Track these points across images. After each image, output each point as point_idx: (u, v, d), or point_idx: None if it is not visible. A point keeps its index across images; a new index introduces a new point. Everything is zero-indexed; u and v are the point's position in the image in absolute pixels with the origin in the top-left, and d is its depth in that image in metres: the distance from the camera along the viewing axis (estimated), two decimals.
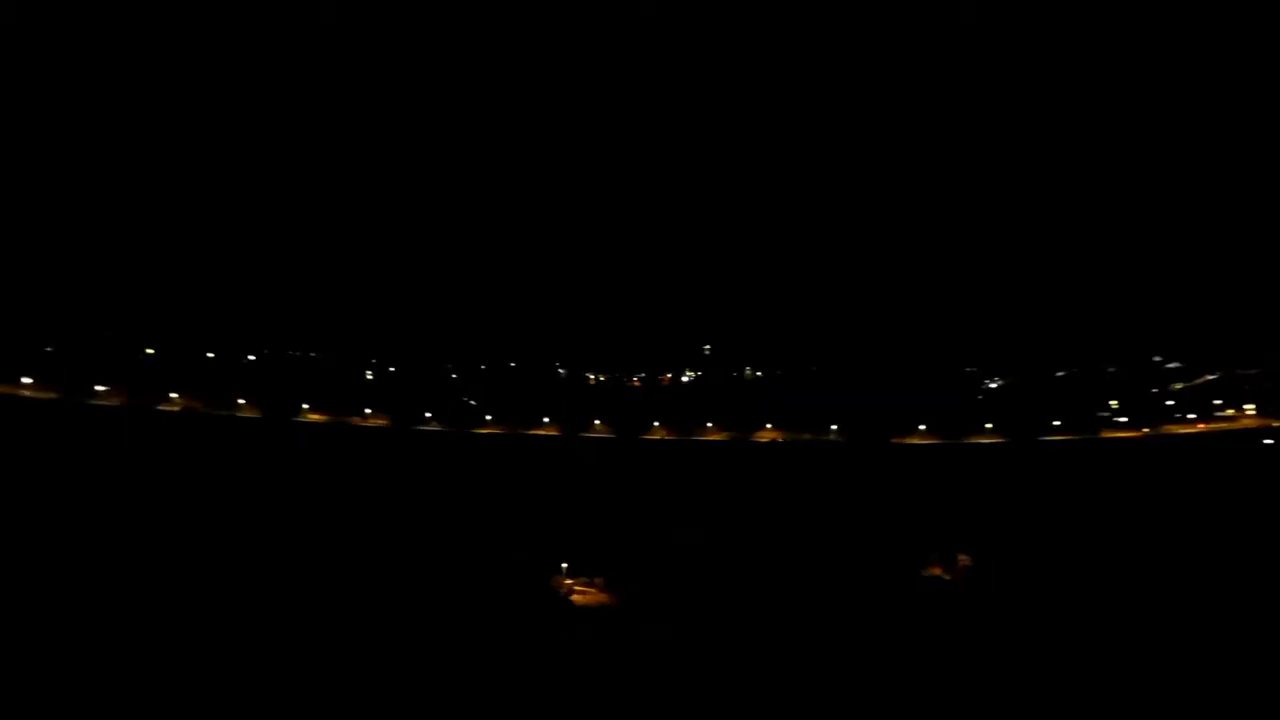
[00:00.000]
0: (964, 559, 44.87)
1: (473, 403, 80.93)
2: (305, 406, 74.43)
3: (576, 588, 41.26)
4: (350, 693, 26.22)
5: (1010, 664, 29.29)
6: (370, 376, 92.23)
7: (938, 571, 44.05)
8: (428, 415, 75.61)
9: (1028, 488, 58.02)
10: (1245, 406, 71.86)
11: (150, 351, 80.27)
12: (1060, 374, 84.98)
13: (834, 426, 73.10)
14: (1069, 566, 40.95)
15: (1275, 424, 67.55)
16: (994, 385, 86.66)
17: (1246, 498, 51.39)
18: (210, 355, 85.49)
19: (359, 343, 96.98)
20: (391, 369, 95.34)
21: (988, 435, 70.30)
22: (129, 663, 26.37)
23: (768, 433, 73.58)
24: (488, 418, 75.75)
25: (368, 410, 75.40)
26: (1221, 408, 73.91)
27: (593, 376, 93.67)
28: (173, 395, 70.97)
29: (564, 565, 41.85)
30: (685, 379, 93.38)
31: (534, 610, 37.20)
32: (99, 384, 67.34)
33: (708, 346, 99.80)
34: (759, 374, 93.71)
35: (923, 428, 71.32)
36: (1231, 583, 36.69)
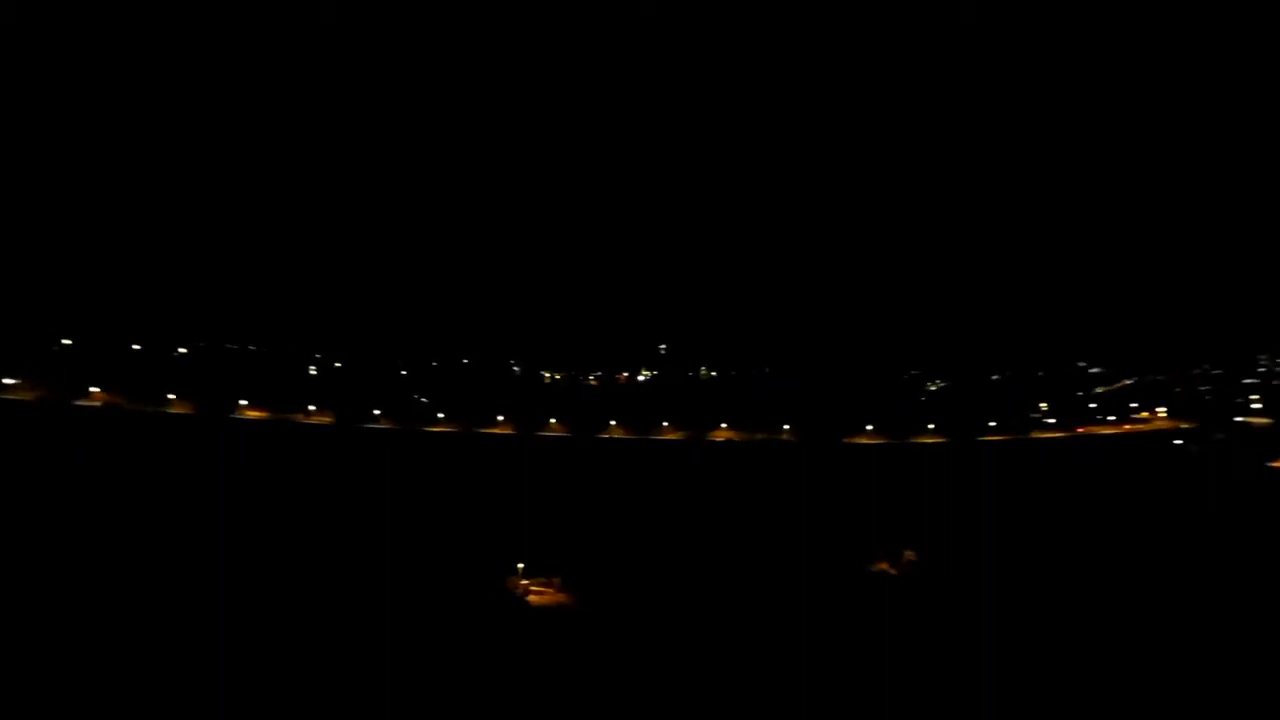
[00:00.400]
0: (909, 554, 46.18)
1: (424, 400, 78.78)
2: (243, 403, 70.61)
3: (533, 588, 40.52)
4: (299, 697, 25.08)
5: (954, 654, 30.58)
6: (314, 372, 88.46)
7: (884, 566, 45.06)
8: (376, 412, 73.00)
9: (968, 485, 60.87)
10: (1158, 410, 78.05)
11: (67, 342, 74.44)
12: (995, 377, 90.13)
13: (786, 426, 74.85)
14: (1008, 561, 43.10)
15: (1184, 426, 73.54)
16: (934, 388, 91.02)
17: (1161, 494, 55.82)
18: (136, 348, 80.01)
19: (301, 336, 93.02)
20: (337, 364, 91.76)
21: (930, 435, 73.49)
22: (47, 665, 24.44)
23: (723, 432, 74.63)
24: (440, 415, 73.76)
25: (311, 407, 72.11)
26: (1137, 410, 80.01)
27: (548, 375, 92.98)
28: (93, 390, 65.93)
29: (520, 565, 41.04)
30: (641, 378, 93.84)
31: (490, 611, 36.40)
32: (8, 377, 61.88)
33: (663, 346, 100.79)
34: (714, 374, 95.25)
35: (870, 428, 73.93)
36: (1149, 570, 39.84)
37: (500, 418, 73.96)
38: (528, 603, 38.82)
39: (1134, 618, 34.24)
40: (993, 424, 74.73)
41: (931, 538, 47.23)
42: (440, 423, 73.25)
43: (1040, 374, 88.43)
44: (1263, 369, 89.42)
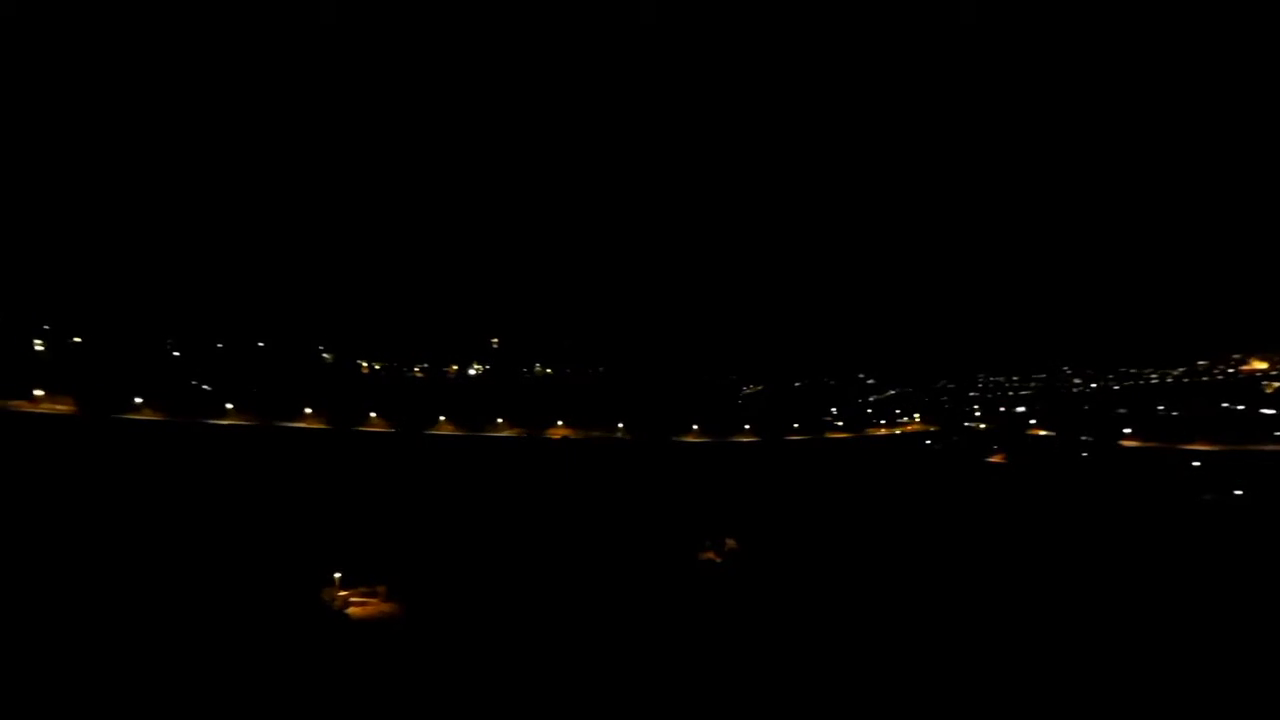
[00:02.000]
0: (731, 543, 49.91)
1: (206, 388, 66.29)
2: None
3: (353, 599, 36.29)
4: None
5: (777, 631, 33.86)
6: (41, 348, 69.51)
7: (711, 556, 48.01)
8: (137, 401, 59.67)
9: (778, 478, 67.98)
10: (914, 415, 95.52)
11: None
12: (797, 384, 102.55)
13: (620, 425, 76.74)
14: (814, 547, 48.89)
15: (932, 429, 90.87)
16: (749, 391, 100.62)
17: (921, 482, 68.19)
18: None
19: (23, 307, 72.56)
20: (76, 339, 73.16)
21: (746, 435, 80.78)
22: None
23: (559, 430, 74.04)
24: (228, 406, 62.60)
25: (38, 392, 56.61)
26: (899, 416, 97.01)
27: (366, 364, 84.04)
28: None
29: (337, 575, 36.53)
30: (472, 372, 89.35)
31: (303, 628, 31.76)
32: None
33: (496, 340, 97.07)
34: (549, 371, 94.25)
35: (696, 427, 78.97)
36: (915, 544, 48.60)
37: (308, 410, 65.05)
38: (347, 616, 34.72)
39: (912, 581, 41.20)
40: (795, 425, 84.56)
41: (750, 527, 51.51)
42: (230, 414, 62.16)
43: (831, 383, 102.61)
44: (980, 385, 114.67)
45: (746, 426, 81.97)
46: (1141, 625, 34.22)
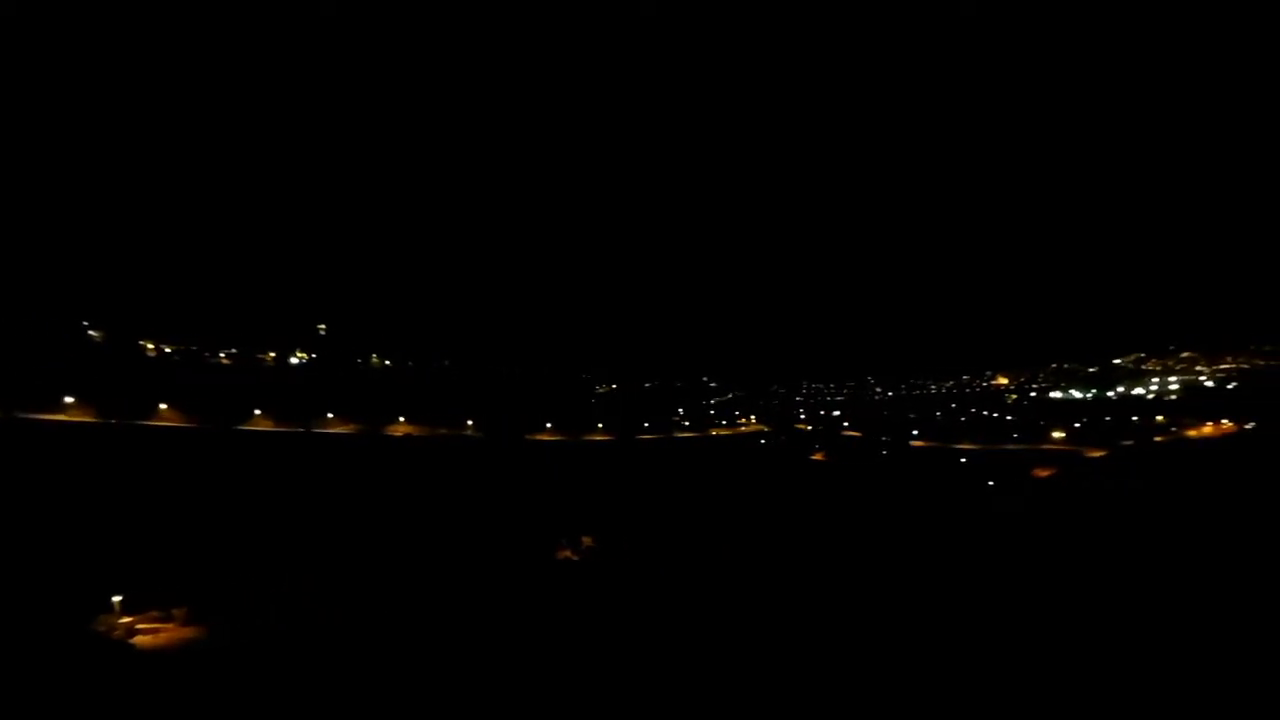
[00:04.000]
0: (587, 540, 49.63)
1: None
2: None
3: (140, 626, 29.79)
4: None
5: (638, 627, 33.89)
6: None
7: (568, 554, 47.27)
8: None
9: (631, 476, 68.82)
10: (751, 416, 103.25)
11: None
12: (647, 385, 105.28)
13: (470, 422, 72.39)
14: (669, 541, 50.06)
15: (766, 429, 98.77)
16: (602, 391, 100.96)
17: (757, 476, 73.74)
18: None
19: None
20: None
21: (600, 434, 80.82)
22: None
23: (402, 426, 67.59)
24: None
25: None
26: (737, 417, 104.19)
27: (153, 346, 69.06)
28: None
29: (116, 599, 29.87)
30: (294, 361, 78.08)
31: (69, 667, 25.14)
32: None
33: (323, 326, 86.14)
34: (387, 363, 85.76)
35: (550, 425, 77.19)
36: (754, 534, 52.09)
37: (69, 400, 51.86)
38: (133, 646, 28.40)
39: (754, 566, 43.89)
40: (646, 424, 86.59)
41: (605, 523, 51.58)
42: None
43: (678, 384, 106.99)
44: (805, 391, 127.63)
45: (600, 425, 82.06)
46: (927, 591, 39.80)
